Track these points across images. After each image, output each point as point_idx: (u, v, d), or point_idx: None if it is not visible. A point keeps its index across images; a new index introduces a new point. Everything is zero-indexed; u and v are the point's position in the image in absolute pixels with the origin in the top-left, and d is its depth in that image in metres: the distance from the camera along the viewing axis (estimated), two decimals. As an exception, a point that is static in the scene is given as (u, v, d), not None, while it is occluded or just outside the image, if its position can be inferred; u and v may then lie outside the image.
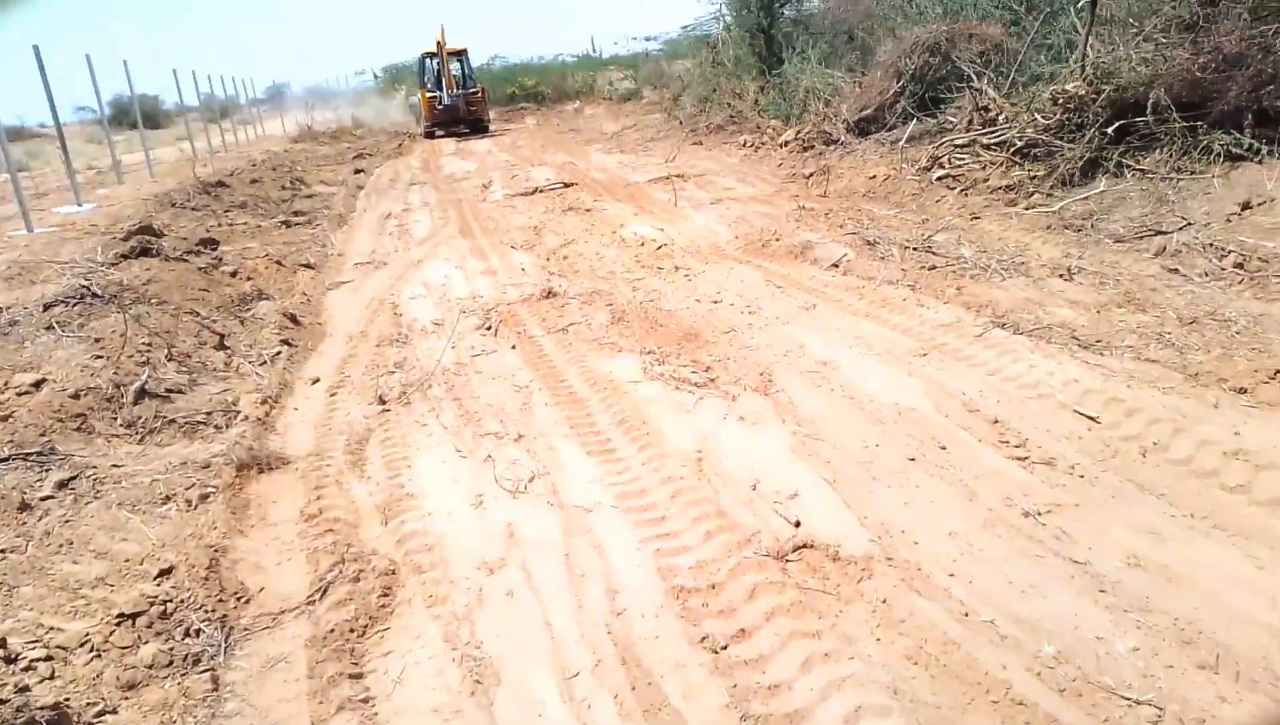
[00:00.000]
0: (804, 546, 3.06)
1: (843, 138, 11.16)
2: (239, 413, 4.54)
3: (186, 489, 3.61)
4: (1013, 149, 8.27)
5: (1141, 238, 6.39)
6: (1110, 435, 3.75)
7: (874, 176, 9.50)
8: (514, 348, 5.45)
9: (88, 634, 2.62)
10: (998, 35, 10.03)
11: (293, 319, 6.23)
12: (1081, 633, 2.58)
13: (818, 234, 7.54)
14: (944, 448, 3.75)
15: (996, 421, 3.94)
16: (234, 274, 7.40)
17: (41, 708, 2.26)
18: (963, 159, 8.78)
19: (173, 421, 4.40)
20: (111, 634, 2.62)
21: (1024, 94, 8.81)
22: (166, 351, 5.11)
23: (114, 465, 3.80)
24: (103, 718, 2.39)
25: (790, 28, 15.31)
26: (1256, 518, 3.09)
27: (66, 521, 3.30)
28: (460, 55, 24.41)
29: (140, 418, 4.36)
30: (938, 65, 10.49)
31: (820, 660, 2.51)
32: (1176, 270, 5.71)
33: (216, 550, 3.15)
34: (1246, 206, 6.33)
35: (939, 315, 5.33)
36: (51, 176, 16.30)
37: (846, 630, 2.64)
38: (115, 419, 4.31)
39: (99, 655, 2.55)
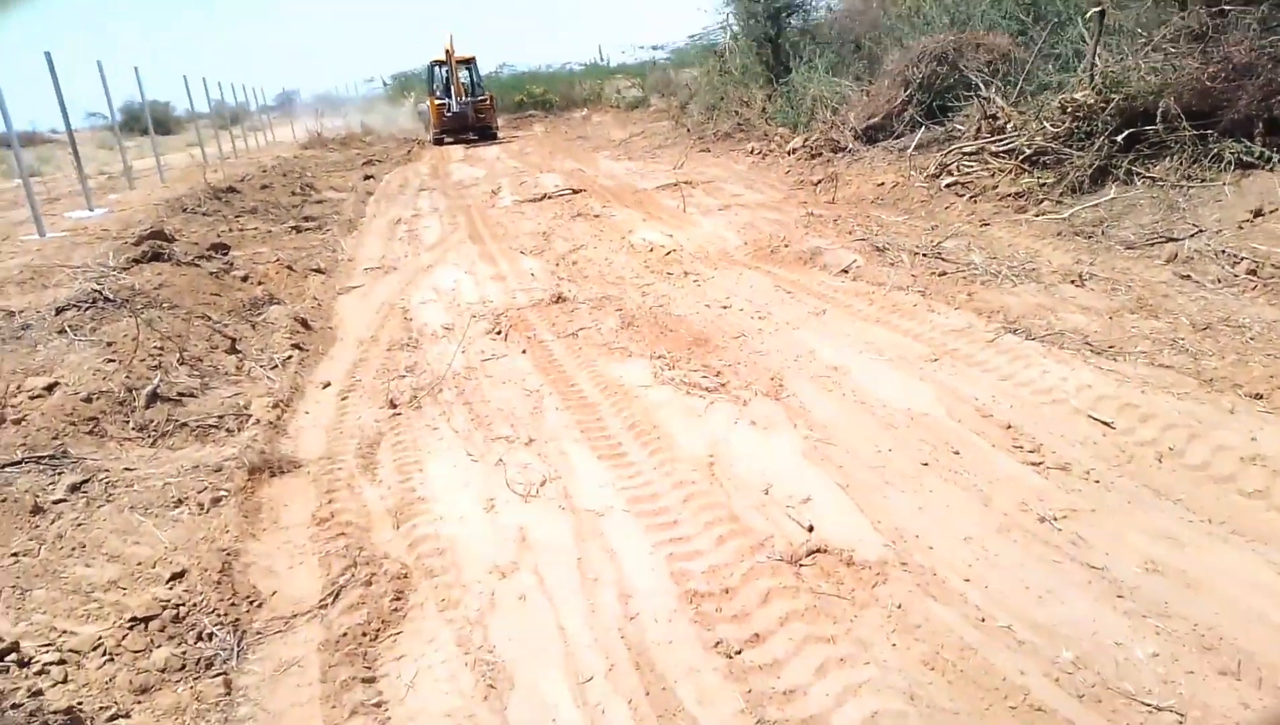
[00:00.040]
0: (817, 551, 3.04)
1: (850, 145, 11.16)
2: (250, 416, 4.54)
3: (199, 492, 3.61)
4: (1022, 156, 8.27)
5: (1153, 244, 6.37)
6: (1125, 441, 3.73)
7: (882, 183, 9.49)
8: (524, 352, 5.44)
9: (100, 638, 2.61)
10: (1005, 45, 10.03)
11: (304, 323, 6.25)
12: (1100, 638, 2.55)
13: (827, 240, 7.53)
14: (957, 453, 3.74)
15: (1010, 427, 3.92)
16: (245, 279, 7.41)
17: (54, 712, 2.26)
18: (971, 166, 8.77)
19: (185, 425, 4.40)
20: (124, 638, 2.61)
21: (1032, 103, 8.80)
22: (178, 355, 5.12)
23: (126, 468, 3.81)
24: (115, 722, 2.38)
25: (797, 37, 15.30)
26: (1276, 523, 3.06)
27: (79, 525, 3.30)
28: (469, 63, 24.52)
29: (152, 421, 4.37)
30: (945, 74, 10.49)
31: (835, 665, 2.49)
32: (1189, 276, 5.69)
33: (229, 554, 3.14)
34: (1258, 213, 6.30)
35: (950, 321, 5.32)
36: (63, 182, 16.37)
37: (862, 635, 2.62)
38: (127, 422, 4.32)
39: (112, 659, 2.54)
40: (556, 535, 3.29)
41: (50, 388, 4.48)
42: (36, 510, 3.37)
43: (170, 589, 2.89)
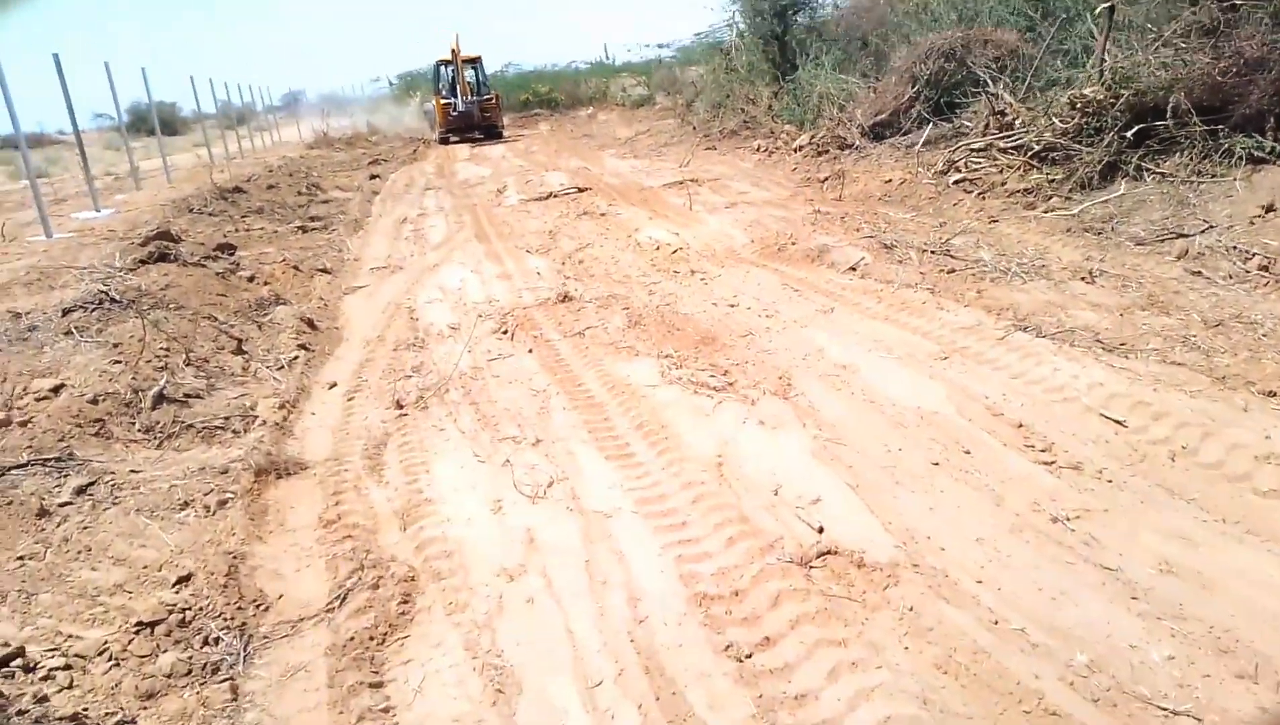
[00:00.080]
0: (828, 553, 3.01)
1: (857, 142, 11.12)
2: (257, 417, 4.53)
3: (205, 495, 3.60)
4: (1030, 153, 8.22)
5: (1163, 241, 6.32)
6: (1138, 439, 3.69)
7: (889, 180, 9.44)
8: (530, 352, 5.42)
9: (106, 642, 2.59)
10: (1013, 41, 9.98)
11: (310, 324, 6.24)
12: (1114, 641, 2.52)
13: (834, 237, 7.49)
14: (968, 452, 3.70)
15: (1021, 425, 3.88)
16: (251, 279, 7.40)
17: (60, 718, 2.24)
18: (979, 163, 8.73)
19: (191, 426, 4.39)
20: (130, 642, 2.59)
21: (1040, 99, 8.75)
22: (184, 356, 5.11)
23: (132, 471, 3.79)
24: (121, 726, 2.37)
25: (804, 34, 15.26)
26: (1291, 523, 3.02)
27: (85, 528, 3.29)
28: (475, 62, 24.52)
29: (158, 423, 4.36)
30: (953, 71, 10.44)
31: (847, 669, 2.46)
32: (1199, 273, 5.64)
33: (235, 557, 3.12)
34: (1270, 209, 6.25)
35: (959, 318, 5.28)
36: (70, 183, 16.40)
37: (873, 638, 2.59)
38: (133, 424, 4.30)
39: (118, 664, 2.52)
40: (564, 537, 3.27)
41: (56, 389, 4.46)
42: (42, 513, 3.36)
43: (176, 593, 2.88)
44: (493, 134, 23.73)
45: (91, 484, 3.61)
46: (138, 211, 11.00)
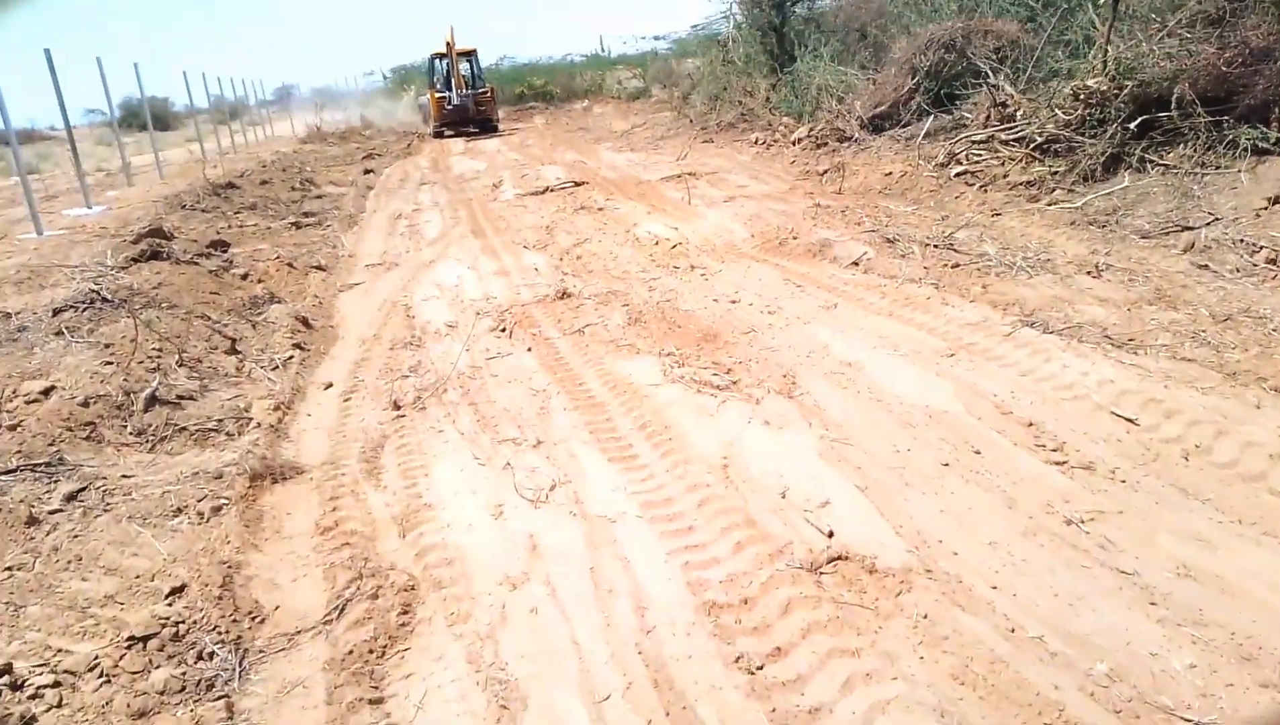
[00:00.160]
0: (838, 558, 2.94)
1: (857, 134, 11.03)
2: (251, 419, 4.44)
3: (198, 501, 3.51)
4: (1032, 145, 8.15)
5: (1168, 233, 6.25)
6: (1150, 438, 3.63)
7: (890, 173, 9.36)
8: (530, 350, 5.34)
9: (97, 657, 2.51)
10: (1014, 32, 9.90)
11: (305, 322, 6.14)
12: (1134, 649, 2.45)
13: (835, 232, 7.41)
14: (978, 452, 3.63)
15: (1031, 424, 3.81)
16: (245, 277, 7.31)
17: (49, 737, 2.16)
18: (981, 155, 8.65)
19: (184, 429, 4.30)
20: (122, 658, 2.51)
21: (1042, 90, 8.69)
22: (177, 357, 5.02)
23: (124, 476, 3.71)
24: (113, 746, 2.29)
25: (802, 25, 15.15)
26: (1311, 526, 2.96)
27: (75, 536, 3.20)
28: (469, 56, 24.38)
29: (151, 425, 4.27)
30: (953, 62, 10.37)
31: (862, 680, 2.39)
32: (1207, 266, 5.58)
33: (230, 566, 3.03)
34: (1275, 201, 6.19)
35: (965, 314, 5.20)
36: (61, 179, 16.27)
37: (887, 648, 2.52)
38: (125, 427, 4.22)
39: (109, 681, 2.44)
40: (568, 543, 3.18)
41: (47, 392, 4.38)
42: (32, 521, 3.28)
43: (169, 605, 2.79)
44: (488, 128, 23.60)
45: (82, 490, 3.53)
46: (130, 208, 10.91)
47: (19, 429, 4.01)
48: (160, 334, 5.20)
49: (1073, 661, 2.42)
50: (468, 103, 22.86)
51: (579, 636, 2.66)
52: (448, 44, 22.49)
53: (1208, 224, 6.15)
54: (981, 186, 8.16)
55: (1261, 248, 5.60)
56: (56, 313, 5.46)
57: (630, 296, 6.19)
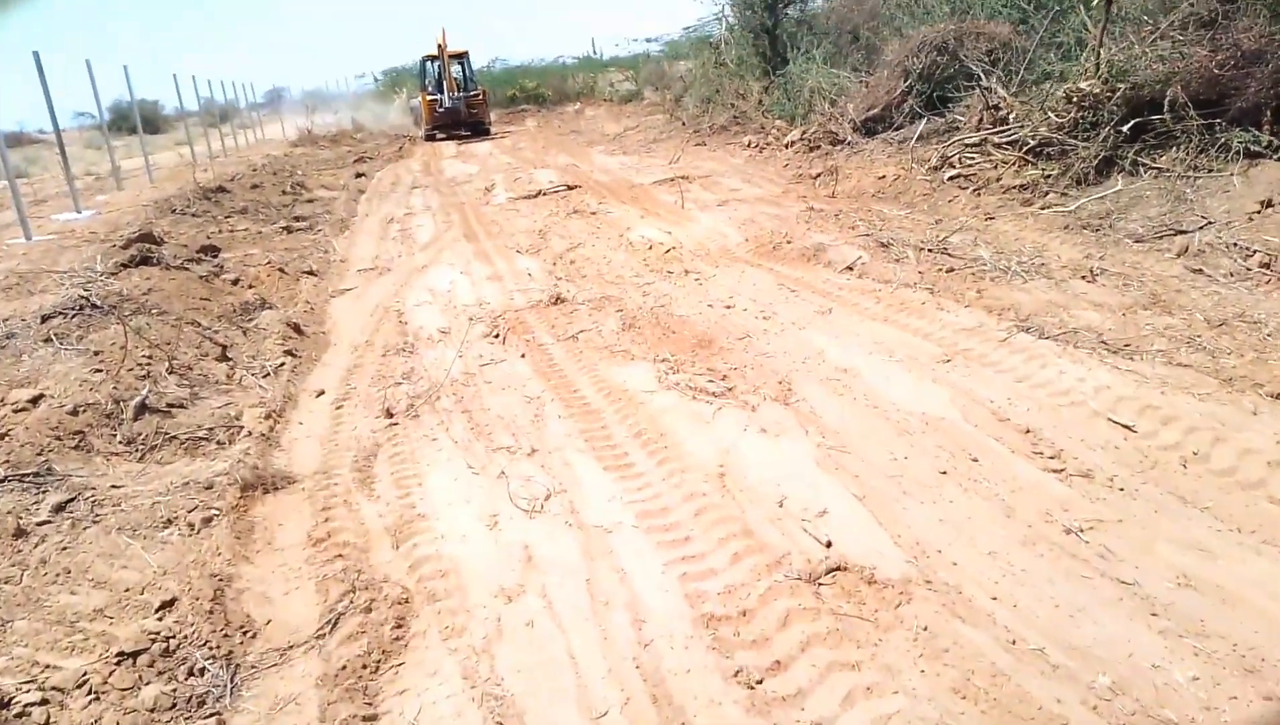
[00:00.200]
0: (837, 569, 2.91)
1: (849, 138, 11.01)
2: (242, 428, 4.40)
3: (189, 511, 3.46)
4: (1025, 148, 8.13)
5: (1162, 237, 6.25)
6: (1148, 445, 3.61)
7: (883, 176, 9.35)
8: (523, 356, 5.30)
9: (86, 673, 2.46)
10: (1006, 34, 9.89)
11: (296, 328, 6.09)
12: (1136, 661, 2.44)
13: (829, 236, 7.39)
14: (976, 460, 3.61)
15: (1028, 431, 3.79)
16: (236, 282, 7.25)
17: (36, 757, 2.12)
18: (974, 158, 8.64)
19: (174, 438, 4.26)
20: (111, 674, 2.47)
21: (1035, 92, 8.68)
22: (167, 364, 4.96)
23: (113, 486, 3.66)
24: (102, 764, 2.25)
25: (794, 27, 15.14)
26: (1311, 534, 2.94)
27: (64, 548, 3.15)
28: (461, 58, 24.29)
29: (140, 434, 4.22)
30: (945, 64, 10.35)
31: (862, 694, 2.36)
32: (1200, 270, 5.57)
33: (221, 579, 2.99)
34: (1268, 204, 6.19)
35: (960, 319, 5.19)
36: (50, 183, 16.18)
37: (888, 661, 2.49)
38: (115, 436, 4.17)
39: (98, 698, 2.39)
40: (563, 554, 3.15)
41: (35, 400, 4.32)
42: (19, 533, 3.23)
43: (160, 619, 2.75)
44: (480, 130, 23.55)
45: (71, 501, 3.48)
46: (119, 212, 10.83)
47: (6, 438, 3.95)
48: (150, 341, 5.15)
49: (1075, 674, 2.40)
50: (459, 105, 22.80)
51: (576, 650, 2.63)
52: (439, 46, 22.41)
53: (1201, 228, 6.15)
54: (975, 190, 8.16)
55: (1255, 252, 5.60)
56: (45, 319, 5.41)
57: (624, 302, 6.16)
